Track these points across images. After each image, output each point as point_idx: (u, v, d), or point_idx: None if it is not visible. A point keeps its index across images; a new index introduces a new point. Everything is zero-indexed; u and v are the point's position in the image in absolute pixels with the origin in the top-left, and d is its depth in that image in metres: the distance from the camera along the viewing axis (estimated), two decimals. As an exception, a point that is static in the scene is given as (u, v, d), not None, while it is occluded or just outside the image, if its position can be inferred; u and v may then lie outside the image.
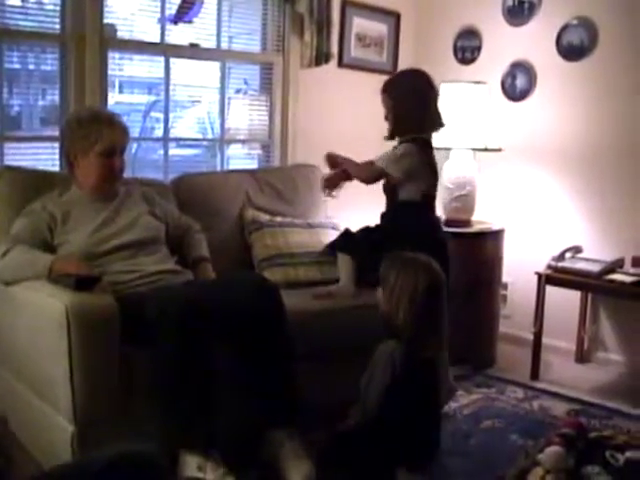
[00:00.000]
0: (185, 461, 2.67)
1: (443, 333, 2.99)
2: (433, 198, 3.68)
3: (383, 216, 3.69)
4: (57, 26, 3.65)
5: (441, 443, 2.99)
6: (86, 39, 3.65)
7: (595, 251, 4.35)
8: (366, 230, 3.73)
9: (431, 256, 3.01)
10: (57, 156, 3.61)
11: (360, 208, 4.58)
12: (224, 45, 4.38)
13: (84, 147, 3.07)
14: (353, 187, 3.95)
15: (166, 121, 4.19)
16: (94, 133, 3.06)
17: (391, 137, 3.65)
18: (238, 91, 4.62)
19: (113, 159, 3.10)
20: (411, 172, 3.51)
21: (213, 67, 4.40)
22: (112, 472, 1.62)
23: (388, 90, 3.64)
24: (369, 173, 3.63)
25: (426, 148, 3.59)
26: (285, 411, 2.93)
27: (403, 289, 2.86)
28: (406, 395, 2.83)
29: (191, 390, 2.69)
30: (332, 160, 3.75)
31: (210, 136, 4.58)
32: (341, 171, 3.72)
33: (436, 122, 3.64)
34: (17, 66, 3.68)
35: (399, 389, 2.83)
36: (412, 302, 2.85)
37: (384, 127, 3.64)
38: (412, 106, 3.58)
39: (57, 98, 3.73)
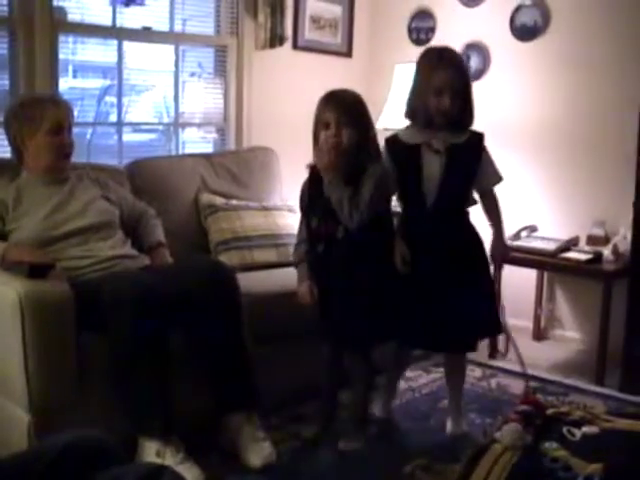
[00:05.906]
0: (144, 447, 2.67)
1: None
2: None
3: None
4: (5, 9, 3.58)
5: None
6: (35, 22, 3.58)
7: (550, 230, 4.39)
8: None
9: None
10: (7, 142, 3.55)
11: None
12: (178, 28, 4.34)
13: (31, 129, 3.05)
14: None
15: (120, 106, 4.15)
16: (39, 113, 3.05)
17: None
18: (193, 74, 4.58)
19: (62, 136, 3.08)
20: None
21: (167, 50, 4.36)
22: (67, 458, 1.61)
23: None
24: None
25: None
26: (243, 395, 2.94)
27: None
28: None
29: (148, 376, 2.69)
30: None
31: (166, 120, 4.54)
32: None
33: None
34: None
35: None
36: None
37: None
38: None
39: (7, 83, 3.66)
